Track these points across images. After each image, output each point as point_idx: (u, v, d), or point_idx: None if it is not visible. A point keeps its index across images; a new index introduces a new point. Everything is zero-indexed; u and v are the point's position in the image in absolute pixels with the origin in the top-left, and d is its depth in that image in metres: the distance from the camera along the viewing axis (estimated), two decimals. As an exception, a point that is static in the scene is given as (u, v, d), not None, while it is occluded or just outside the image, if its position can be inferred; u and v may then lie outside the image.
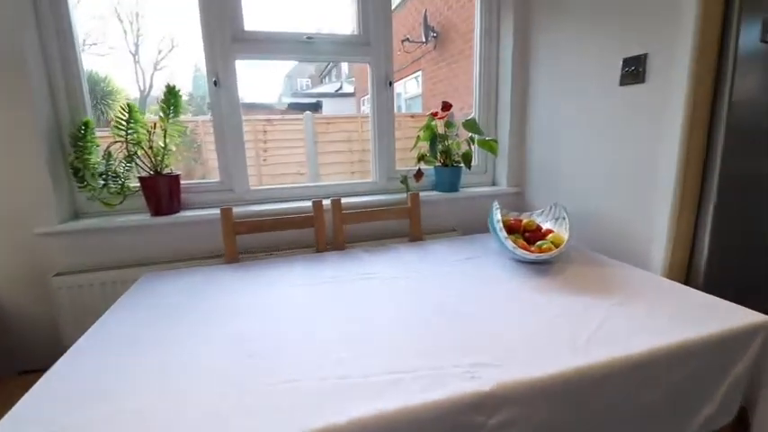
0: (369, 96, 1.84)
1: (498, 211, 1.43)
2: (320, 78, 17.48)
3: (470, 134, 1.87)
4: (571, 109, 1.62)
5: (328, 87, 13.60)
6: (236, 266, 1.42)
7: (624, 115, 1.39)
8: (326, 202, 1.59)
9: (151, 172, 1.54)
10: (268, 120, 4.28)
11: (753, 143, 1.24)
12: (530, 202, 1.95)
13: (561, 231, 1.52)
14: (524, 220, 1.57)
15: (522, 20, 1.82)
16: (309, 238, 1.60)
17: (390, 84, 1.79)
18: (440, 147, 1.79)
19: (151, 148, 1.53)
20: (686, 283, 1.29)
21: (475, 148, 1.93)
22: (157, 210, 1.54)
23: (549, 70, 1.73)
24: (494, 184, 2.09)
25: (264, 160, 4.27)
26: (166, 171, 1.57)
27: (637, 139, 1.36)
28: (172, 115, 1.54)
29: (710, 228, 1.26)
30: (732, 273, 1.31)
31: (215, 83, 1.60)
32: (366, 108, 8.65)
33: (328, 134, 4.33)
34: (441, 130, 1.85)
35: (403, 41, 5.94)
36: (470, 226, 1.91)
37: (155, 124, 1.54)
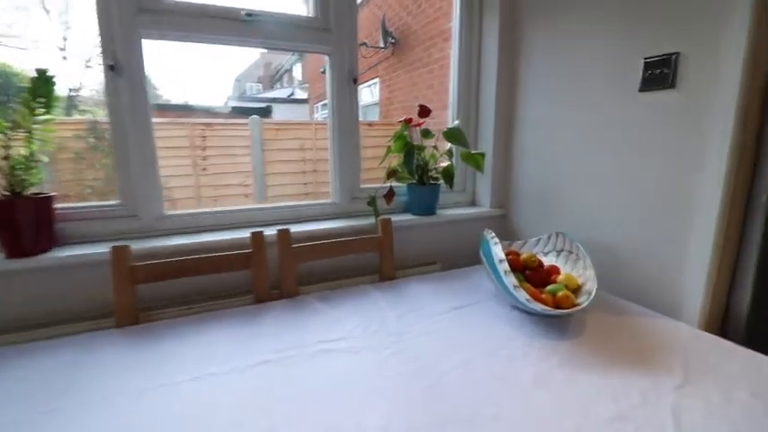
0: (327, 97, 1.46)
1: (498, 244, 1.11)
2: (271, 83, 16.78)
3: (450, 146, 1.56)
4: (574, 120, 1.36)
5: (280, 93, 12.98)
6: (129, 333, 0.97)
7: (646, 128, 1.14)
8: (272, 233, 1.19)
9: (6, 193, 1.05)
10: (208, 124, 3.73)
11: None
12: (516, 227, 1.67)
13: (567, 269, 1.24)
14: (523, 255, 1.27)
15: (509, 18, 1.55)
16: (248, 281, 1.18)
17: (355, 81, 1.44)
18: (417, 161, 1.45)
19: (6, 158, 1.04)
20: (723, 334, 1.05)
21: (455, 162, 1.62)
22: (16, 248, 1.05)
23: (543, 74, 1.46)
24: (473, 204, 1.79)
25: (204, 169, 3.71)
26: (31, 191, 1.08)
27: (664, 158, 1.10)
28: (41, 112, 1.06)
29: (756, 267, 1.02)
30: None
31: (111, 68, 1.14)
32: (321, 115, 8.23)
33: (278, 141, 3.86)
34: (416, 140, 1.51)
35: (360, 46, 5.64)
36: (452, 257, 1.59)
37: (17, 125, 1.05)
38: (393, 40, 5.26)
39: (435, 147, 1.53)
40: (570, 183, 1.40)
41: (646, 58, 1.11)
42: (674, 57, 1.05)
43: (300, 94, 11.47)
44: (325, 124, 1.52)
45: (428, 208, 1.56)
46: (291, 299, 1.16)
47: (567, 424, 0.67)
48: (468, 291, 1.24)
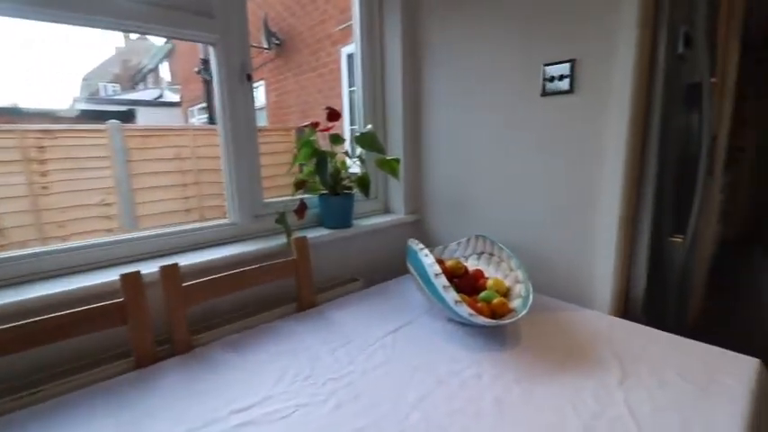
0: (216, 98, 1.21)
1: (429, 255, 1.04)
2: (132, 83, 14.59)
3: (361, 152, 1.45)
4: (482, 122, 1.37)
5: (145, 95, 11.31)
6: None
7: (550, 130, 1.19)
8: (152, 271, 0.91)
9: None
10: (46, 131, 2.95)
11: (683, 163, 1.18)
12: (432, 231, 1.64)
13: (491, 272, 1.24)
14: (449, 262, 1.23)
15: (411, 17, 1.51)
16: (123, 341, 0.88)
17: (249, 78, 1.22)
18: (330, 169, 1.30)
19: None
20: (625, 315, 1.16)
21: (368, 169, 1.52)
22: None
23: (450, 78, 1.45)
24: (387, 211, 1.72)
25: (44, 188, 2.93)
26: None
27: (569, 157, 1.17)
28: None
29: (648, 254, 1.15)
30: (661, 300, 1.24)
31: None
32: (199, 119, 7.37)
33: (148, 150, 3.26)
34: (323, 146, 1.36)
35: (241, 45, 5.20)
36: (372, 270, 1.48)
37: None
38: (278, 42, 4.97)
39: (347, 153, 1.40)
40: (482, 185, 1.41)
41: (545, 65, 1.17)
42: (570, 63, 1.11)
43: (171, 96, 10.15)
44: (207, 129, 1.28)
45: (344, 220, 1.42)
46: (187, 354, 0.91)
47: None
48: (399, 308, 1.15)
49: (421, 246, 1.10)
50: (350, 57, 4.02)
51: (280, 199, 1.37)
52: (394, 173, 1.40)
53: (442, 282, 0.95)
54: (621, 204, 1.07)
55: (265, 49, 5.03)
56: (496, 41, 1.28)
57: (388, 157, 1.39)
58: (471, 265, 1.28)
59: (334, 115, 1.33)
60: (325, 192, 1.38)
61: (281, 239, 1.23)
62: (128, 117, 8.19)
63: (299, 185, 1.33)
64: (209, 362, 0.87)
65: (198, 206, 3.43)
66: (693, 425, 0.66)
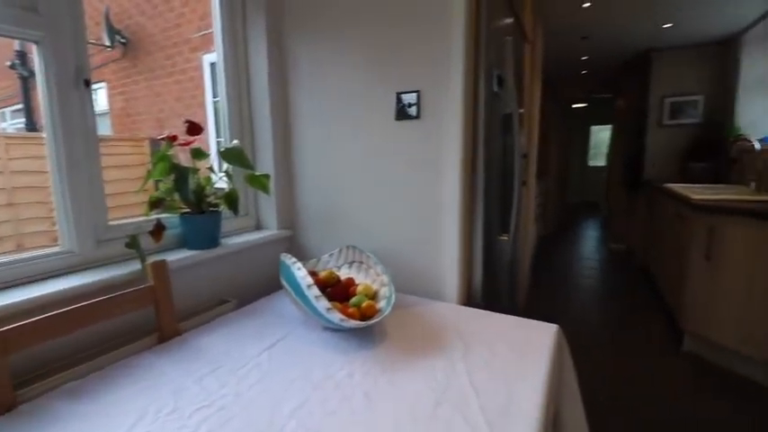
0: (41, 104, 1.03)
1: (301, 269, 1.08)
2: None
3: (228, 168, 1.41)
4: (348, 139, 1.48)
5: None
6: None
7: (405, 149, 1.37)
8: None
9: None
10: None
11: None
12: (305, 246, 1.68)
13: (362, 278, 1.34)
14: (322, 273, 1.28)
15: (277, 29, 1.53)
16: None
17: (87, 84, 1.08)
18: (192, 185, 1.23)
19: None
20: (469, 303, 1.39)
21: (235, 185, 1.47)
22: None
23: (316, 92, 1.52)
24: (259, 228, 1.69)
25: None
26: None
27: (420, 172, 1.35)
28: None
29: (482, 249, 1.40)
30: (496, 287, 1.53)
31: None
32: (12, 125, 5.89)
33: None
34: (183, 161, 1.28)
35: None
36: (246, 289, 1.43)
37: None
38: (123, 40, 4.37)
39: (212, 168, 1.34)
40: (351, 198, 1.52)
41: (398, 93, 1.34)
42: (416, 93, 1.30)
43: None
44: (26, 138, 1.07)
45: (210, 239, 1.35)
46: (11, 413, 0.75)
47: (406, 427, 0.70)
48: (275, 323, 1.15)
49: (293, 259, 1.13)
50: (213, 65, 3.79)
51: (132, 220, 1.23)
52: (264, 189, 1.40)
53: (314, 292, 1.00)
54: (461, 211, 1.29)
55: (107, 47, 4.36)
56: (360, 66, 1.40)
57: (258, 173, 1.38)
58: (344, 273, 1.36)
59: (194, 129, 1.26)
60: (187, 210, 1.29)
61: (135, 265, 1.11)
62: None
63: (155, 204, 1.22)
64: (42, 418, 0.74)
65: (14, 233, 2.75)
66: (514, 381, 0.84)
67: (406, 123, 1.35)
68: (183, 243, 1.33)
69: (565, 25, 3.34)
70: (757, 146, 2.85)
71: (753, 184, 2.75)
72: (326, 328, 1.11)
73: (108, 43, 4.34)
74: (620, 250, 4.84)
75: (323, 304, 0.97)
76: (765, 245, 1.93)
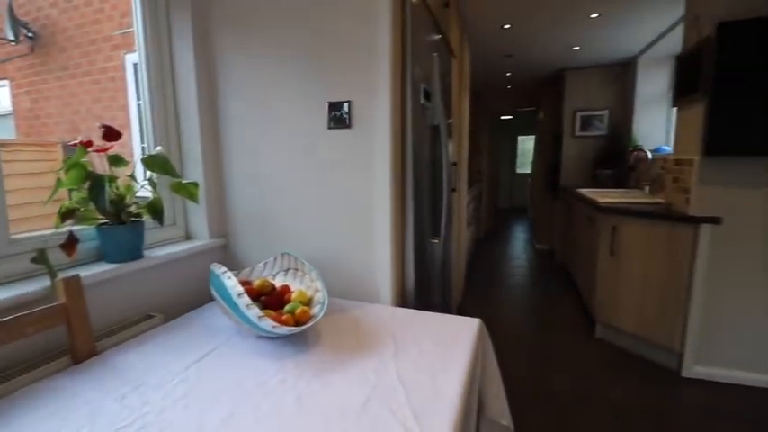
0: None
1: (232, 278, 1.06)
2: None
3: (151, 176, 1.34)
4: (281, 146, 1.48)
5: None
6: None
7: (337, 156, 1.40)
8: None
9: None
10: None
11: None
12: (239, 255, 1.64)
13: (297, 285, 1.34)
14: (255, 282, 1.27)
15: (204, 28, 1.49)
16: None
17: (-18, 87, 0.98)
18: (110, 195, 1.15)
19: None
20: (403, 304, 1.45)
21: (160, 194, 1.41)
22: None
23: (246, 96, 1.50)
24: (188, 238, 1.62)
25: None
26: None
27: (352, 178, 1.39)
28: None
29: (414, 251, 1.48)
30: (428, 288, 1.61)
31: None
32: None
33: None
34: (100, 168, 1.20)
35: (-37, 31, 3.88)
36: (176, 302, 1.37)
37: None
38: (31, 35, 3.93)
39: (133, 176, 1.27)
40: (285, 205, 1.52)
41: (330, 102, 1.37)
42: (347, 103, 1.35)
43: None
44: None
45: (132, 251, 1.28)
46: None
47: (335, 425, 0.73)
48: (205, 336, 1.12)
49: (224, 269, 1.11)
50: (136, 66, 3.55)
51: (39, 233, 1.13)
52: (192, 197, 1.35)
53: (244, 301, 0.99)
54: (392, 215, 1.35)
55: (10, 41, 3.89)
56: (292, 72, 1.41)
57: (185, 181, 1.33)
58: (279, 281, 1.36)
59: (111, 134, 1.19)
60: (105, 221, 1.21)
61: (44, 282, 1.02)
62: None
63: (67, 215, 1.13)
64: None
65: None
66: (438, 374, 0.90)
67: (338, 131, 1.38)
68: (102, 256, 1.24)
69: (489, 43, 3.62)
70: (650, 156, 3.29)
71: (647, 188, 3.17)
72: (260, 337, 1.10)
73: (11, 37, 3.87)
74: (544, 250, 5.28)
75: (254, 312, 0.97)
76: (656, 239, 2.25)
